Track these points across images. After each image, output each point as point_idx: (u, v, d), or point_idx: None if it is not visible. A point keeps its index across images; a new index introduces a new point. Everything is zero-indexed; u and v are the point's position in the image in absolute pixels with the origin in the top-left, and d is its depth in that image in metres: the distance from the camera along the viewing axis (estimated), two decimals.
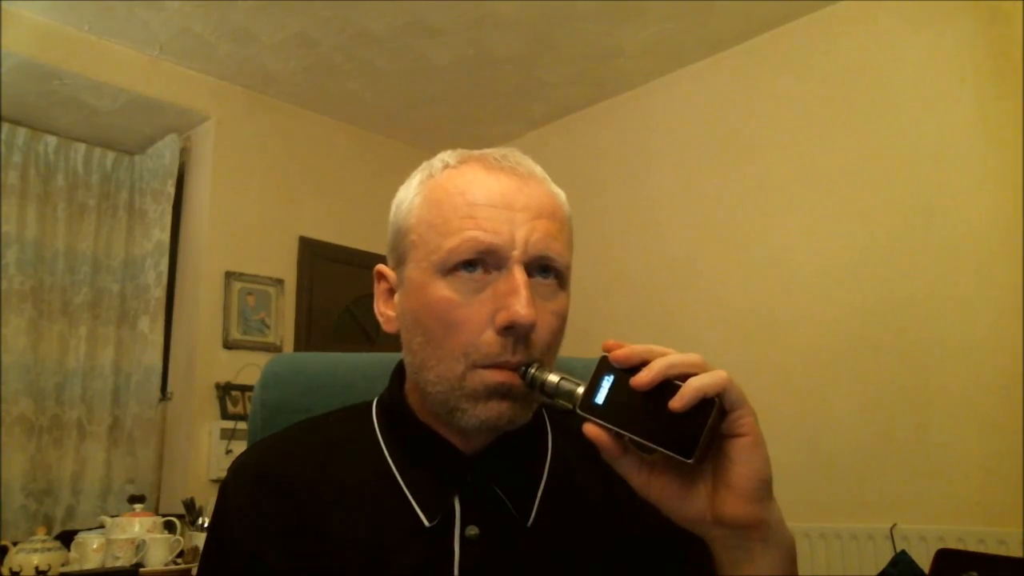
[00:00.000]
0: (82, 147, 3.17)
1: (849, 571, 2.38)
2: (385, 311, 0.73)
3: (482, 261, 0.64)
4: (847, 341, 2.54)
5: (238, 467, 0.72)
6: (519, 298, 0.62)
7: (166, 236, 3.14)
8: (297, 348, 3.27)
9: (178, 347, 3.15)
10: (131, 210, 3.26)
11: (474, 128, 3.67)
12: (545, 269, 0.66)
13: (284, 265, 3.31)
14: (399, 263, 0.71)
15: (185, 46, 2.96)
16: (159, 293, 3.09)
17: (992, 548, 2.11)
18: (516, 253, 0.64)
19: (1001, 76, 2.32)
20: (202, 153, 3.25)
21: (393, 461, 0.70)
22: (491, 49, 3.02)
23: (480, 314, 0.64)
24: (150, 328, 3.08)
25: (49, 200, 3.05)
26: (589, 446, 0.69)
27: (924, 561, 1.92)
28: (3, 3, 2.60)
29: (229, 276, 3.12)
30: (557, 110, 3.55)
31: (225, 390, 3.01)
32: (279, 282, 3.26)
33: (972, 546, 2.13)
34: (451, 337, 0.64)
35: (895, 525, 2.30)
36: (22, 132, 3.02)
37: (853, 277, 2.56)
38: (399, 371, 0.75)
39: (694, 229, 3.04)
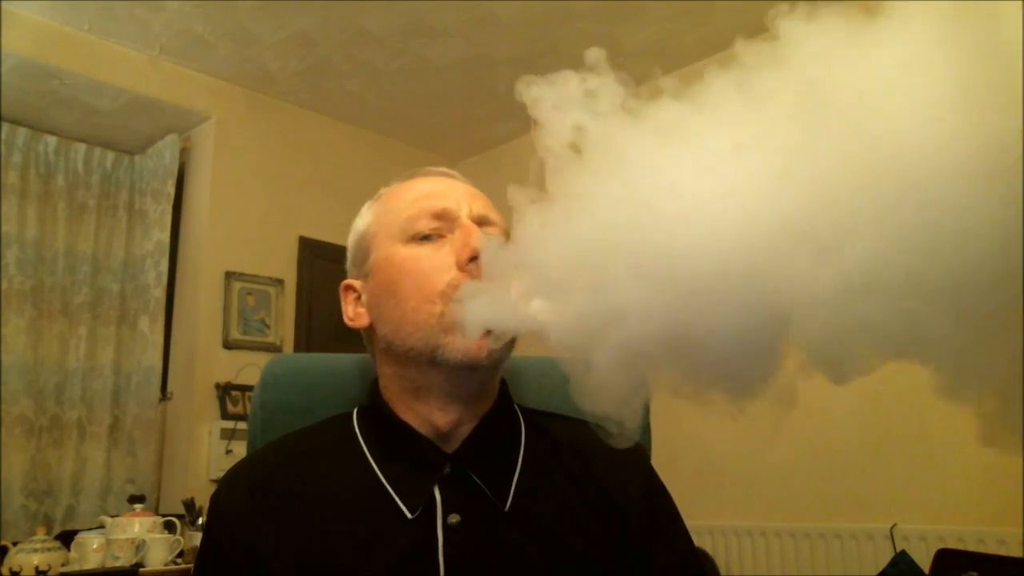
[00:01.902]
0: (82, 147, 3.17)
1: (849, 571, 2.38)
2: (355, 310, 0.80)
3: (436, 231, 0.73)
4: None
5: (229, 477, 0.76)
6: (475, 235, 0.71)
7: (166, 236, 3.14)
8: (297, 348, 3.27)
9: (178, 347, 3.15)
10: (131, 210, 3.26)
11: (474, 128, 3.67)
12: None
13: (284, 265, 3.30)
14: (363, 261, 0.79)
15: (185, 46, 2.96)
16: (159, 293, 3.08)
17: (992, 548, 2.11)
18: (464, 212, 0.74)
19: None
20: (202, 153, 3.25)
21: (374, 460, 0.74)
22: (491, 49, 3.01)
23: (445, 261, 0.72)
24: (150, 328, 3.08)
25: (49, 200, 3.05)
26: (559, 439, 0.79)
27: (924, 561, 1.92)
28: (3, 3, 2.59)
29: (229, 276, 3.12)
30: None
31: (225, 390, 3.01)
32: (279, 282, 3.26)
33: (972, 546, 2.13)
34: (423, 284, 0.71)
35: (895, 525, 2.30)
36: (22, 132, 3.02)
37: None
38: (374, 381, 0.80)
39: None
